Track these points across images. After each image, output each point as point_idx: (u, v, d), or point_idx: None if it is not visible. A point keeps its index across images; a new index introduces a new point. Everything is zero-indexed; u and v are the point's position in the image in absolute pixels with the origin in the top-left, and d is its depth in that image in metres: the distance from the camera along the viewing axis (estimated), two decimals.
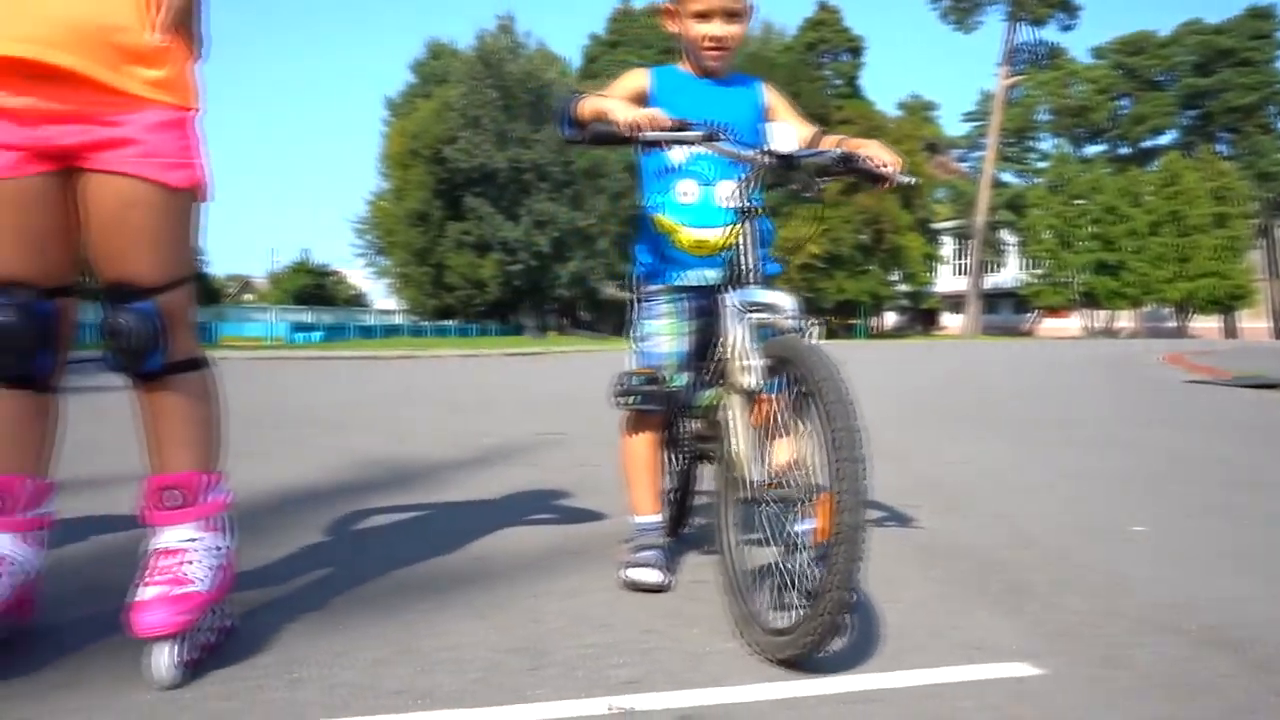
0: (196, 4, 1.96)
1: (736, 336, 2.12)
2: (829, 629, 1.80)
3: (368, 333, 42.14)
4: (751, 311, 2.12)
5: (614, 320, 48.22)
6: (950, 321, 65.96)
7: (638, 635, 2.12)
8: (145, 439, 1.97)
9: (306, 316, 45.95)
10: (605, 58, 47.26)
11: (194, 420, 1.98)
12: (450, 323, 50.15)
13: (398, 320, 54.82)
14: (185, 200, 1.92)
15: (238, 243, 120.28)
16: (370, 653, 1.98)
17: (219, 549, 1.96)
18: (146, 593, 1.84)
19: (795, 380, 1.97)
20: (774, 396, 2.05)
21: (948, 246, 66.77)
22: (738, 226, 2.26)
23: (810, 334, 2.05)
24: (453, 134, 43.81)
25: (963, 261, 65.59)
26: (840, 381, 1.83)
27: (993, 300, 64.74)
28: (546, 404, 8.32)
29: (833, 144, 2.41)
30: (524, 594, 2.41)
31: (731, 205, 2.38)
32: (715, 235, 2.45)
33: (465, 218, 46.25)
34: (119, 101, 1.82)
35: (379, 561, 2.69)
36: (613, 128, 2.22)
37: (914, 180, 2.39)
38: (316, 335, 37.21)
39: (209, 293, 56.61)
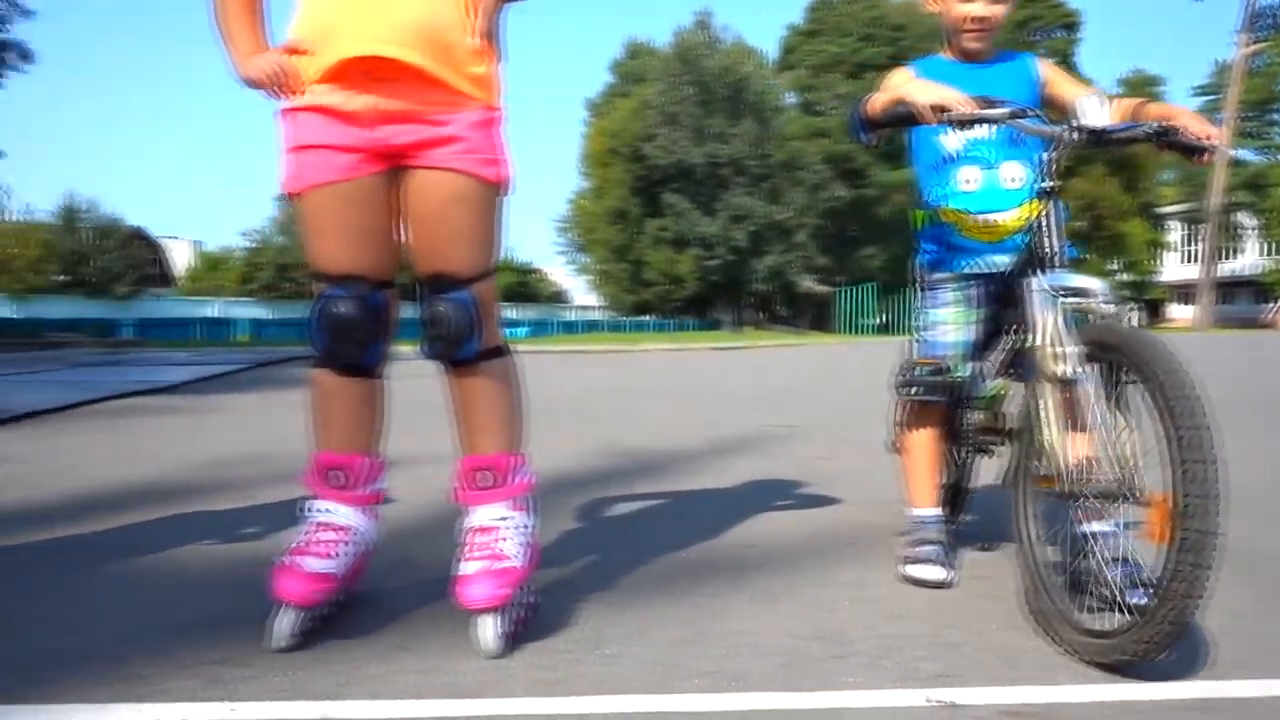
0: (503, 12, 2.05)
1: (1048, 322, 2.03)
2: (1167, 637, 1.69)
3: (569, 328, 43.37)
4: (1064, 296, 2.02)
5: (811, 314, 47.58)
6: (1179, 313, 61.14)
7: (935, 629, 2.07)
8: (456, 423, 2.09)
9: (511, 313, 47.77)
10: (803, 48, 46.63)
11: (501, 405, 2.08)
12: (648, 318, 50.88)
13: (597, 316, 56.12)
14: (496, 194, 2.03)
15: None
16: (668, 633, 2.02)
17: (526, 527, 2.05)
18: (469, 567, 1.95)
19: (1118, 369, 1.87)
20: (1084, 386, 1.95)
21: (1175, 232, 61.89)
22: (1035, 207, 2.16)
23: (1130, 319, 1.93)
24: (651, 131, 44.38)
25: (1192, 248, 60.59)
26: (1185, 375, 1.70)
27: (1227, 289, 59.49)
28: (766, 397, 8.29)
29: (1128, 112, 2.26)
30: (804, 583, 2.40)
31: (1017, 186, 2.28)
32: (1005, 219, 2.36)
33: (663, 214, 46.74)
34: (448, 100, 1.94)
35: (650, 546, 2.74)
36: (911, 109, 2.16)
37: (1234, 152, 2.21)
38: (521, 331, 38.61)
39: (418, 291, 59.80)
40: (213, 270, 61.09)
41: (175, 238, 67.19)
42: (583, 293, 67.33)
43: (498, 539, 1.99)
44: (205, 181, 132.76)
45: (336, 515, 2.05)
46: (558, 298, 64.78)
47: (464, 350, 1.99)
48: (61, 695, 1.67)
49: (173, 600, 2.23)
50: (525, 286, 53.59)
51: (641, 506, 3.38)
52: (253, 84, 1.95)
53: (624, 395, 8.40)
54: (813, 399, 8.01)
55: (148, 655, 1.87)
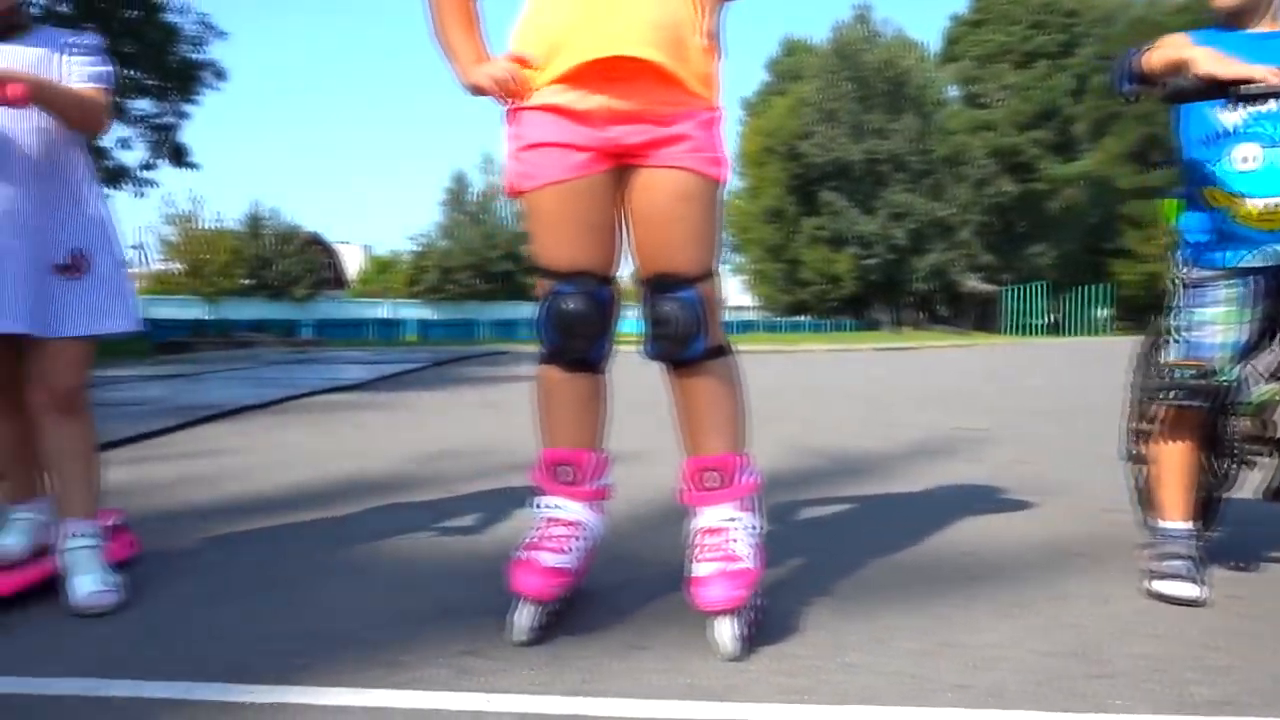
0: (723, 11, 2.03)
1: None
2: None
3: (725, 329, 43.06)
4: None
5: (974, 315, 45.89)
6: None
7: (1199, 651, 1.91)
8: (681, 424, 2.07)
9: None
10: (968, 39, 45.02)
11: (725, 405, 2.05)
12: (803, 318, 50.22)
13: (752, 316, 55.72)
14: (719, 193, 2.01)
15: None
16: (910, 643, 1.94)
17: (754, 528, 2.01)
18: (703, 569, 1.93)
19: None
20: None
21: None
22: None
23: None
24: (808, 129, 43.79)
25: None
26: None
27: None
28: (943, 398, 8.01)
29: None
30: (1040, 595, 2.27)
31: None
32: None
33: (820, 213, 46.04)
34: (678, 99, 1.93)
35: (865, 549, 2.66)
36: (1199, 83, 2.00)
37: None
38: None
39: None
40: (381, 273, 64.02)
41: (346, 243, 70.75)
42: (737, 293, 67.16)
43: (728, 540, 1.96)
44: (374, 189, 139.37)
45: (566, 510, 2.06)
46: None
47: (690, 350, 1.98)
48: (325, 678, 1.74)
49: (407, 589, 2.30)
50: None
51: (844, 509, 3.29)
52: (479, 91, 1.99)
53: (793, 395, 8.27)
54: (996, 401, 7.68)
55: (397, 642, 1.93)
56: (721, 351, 2.05)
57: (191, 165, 26.55)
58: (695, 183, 1.96)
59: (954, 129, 42.32)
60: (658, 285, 1.98)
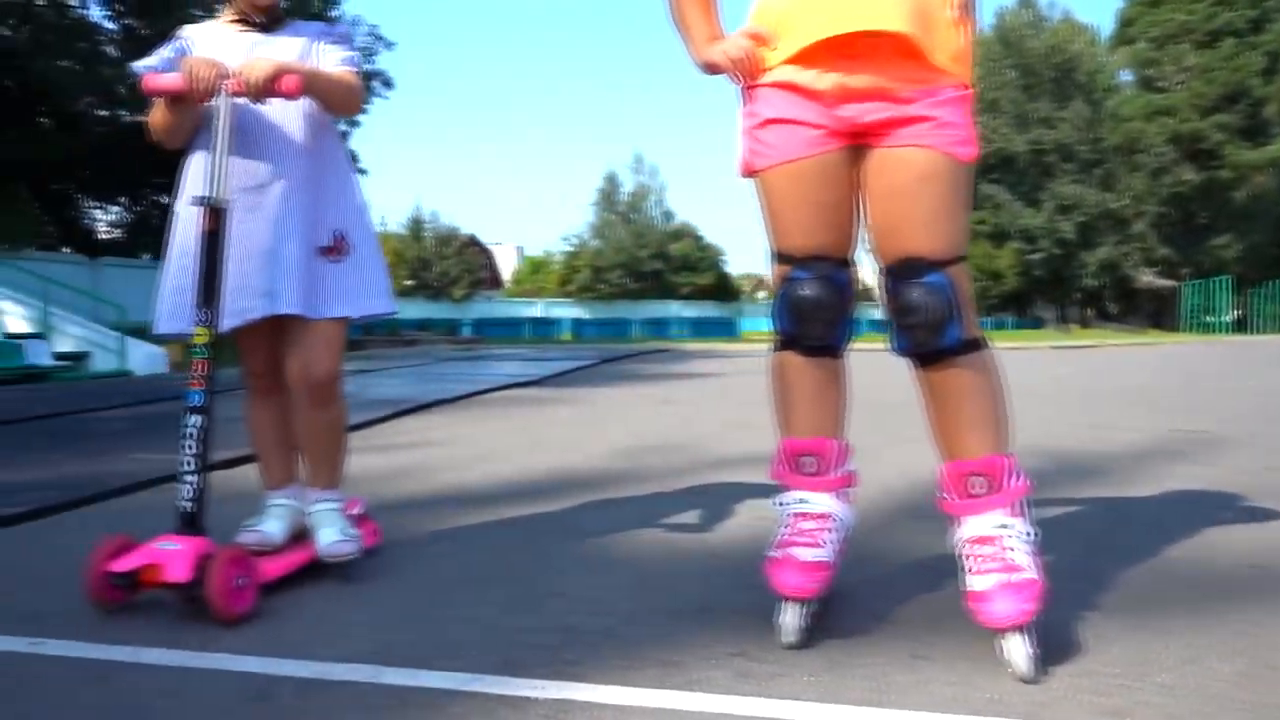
0: None
1: None
2: None
3: (880, 327, 42.19)
4: None
5: (1148, 311, 43.32)
6: None
7: None
8: (934, 425, 1.91)
9: None
10: (1145, 19, 42.41)
11: (985, 401, 1.88)
12: None
13: None
14: (969, 175, 1.86)
15: (752, 242, 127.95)
16: (1225, 665, 1.74)
17: (1029, 534, 1.83)
18: (982, 582, 1.77)
19: None
20: None
21: None
22: None
23: None
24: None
25: None
26: None
27: None
28: (1147, 398, 7.50)
29: None
30: None
31: None
32: None
33: (980, 206, 44.36)
34: (921, 76, 1.80)
35: (1132, 557, 2.44)
36: None
37: None
38: None
39: (729, 291, 60.76)
40: (535, 273, 65.49)
41: (500, 243, 72.77)
42: None
43: (1004, 549, 1.79)
44: (527, 190, 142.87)
45: (813, 503, 1.95)
46: (862, 295, 63.29)
47: (944, 339, 1.81)
48: (599, 675, 1.69)
49: (650, 585, 2.23)
50: None
51: (1080, 512, 3.06)
52: (714, 69, 1.94)
53: None
54: (1210, 401, 7.13)
55: (663, 640, 1.86)
56: (978, 344, 1.88)
57: (360, 171, 27.80)
58: (940, 162, 1.81)
59: (1128, 115, 40.08)
60: (901, 271, 1.83)
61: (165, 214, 19.92)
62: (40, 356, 11.85)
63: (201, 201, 1.97)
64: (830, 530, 1.93)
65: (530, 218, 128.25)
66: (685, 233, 57.99)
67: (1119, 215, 39.53)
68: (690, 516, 2.94)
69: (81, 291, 15.76)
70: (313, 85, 2.03)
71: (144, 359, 12.63)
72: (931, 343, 1.83)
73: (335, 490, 2.28)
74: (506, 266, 72.64)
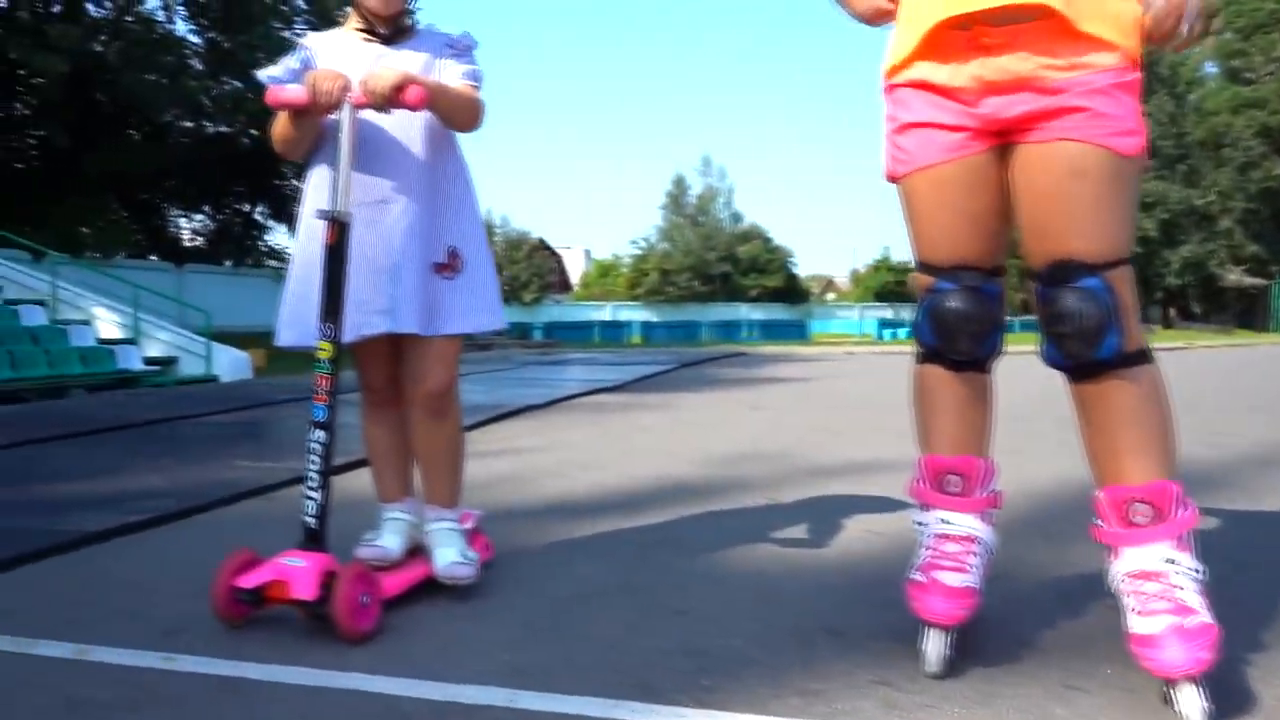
0: None
1: None
2: None
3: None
4: None
5: (1234, 310, 41.78)
6: None
7: None
8: (1089, 445, 1.76)
9: (888, 313, 46.68)
10: (1231, 8, 40.93)
11: (1150, 421, 1.71)
12: (1032, 317, 47.47)
13: None
14: (1133, 169, 1.70)
15: (820, 243, 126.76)
16: None
17: (1198, 571, 1.65)
18: (1150, 625, 1.58)
19: None
20: None
21: None
22: None
23: None
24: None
25: None
26: None
27: None
28: (1268, 404, 7.18)
29: None
30: None
31: None
32: None
33: None
34: (1070, 55, 1.65)
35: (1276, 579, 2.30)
36: None
37: None
38: (904, 332, 37.57)
39: (798, 293, 60.29)
40: (603, 277, 65.72)
41: (568, 247, 73.24)
42: None
43: (1172, 588, 1.62)
44: (594, 192, 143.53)
45: (957, 524, 1.84)
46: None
47: (1101, 349, 1.65)
48: (740, 702, 1.62)
49: (775, 604, 2.15)
50: (902, 286, 52.21)
51: (1230, 528, 2.89)
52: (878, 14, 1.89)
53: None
54: None
55: (800, 666, 1.78)
56: (1142, 357, 1.71)
57: None
58: (1094, 156, 1.65)
59: (1213, 109, 38.74)
60: (1053, 275, 1.69)
61: (246, 222, 20.63)
62: (131, 361, 12.19)
63: (325, 215, 1.95)
64: (975, 554, 1.83)
65: (598, 221, 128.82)
66: (754, 234, 57.69)
67: (1204, 212, 38.23)
68: (800, 529, 2.86)
69: (168, 297, 16.20)
70: (436, 99, 2.00)
71: (229, 364, 12.91)
72: (1086, 354, 1.68)
73: (452, 507, 2.25)
74: (574, 269, 73.08)
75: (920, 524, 1.91)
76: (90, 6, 22.37)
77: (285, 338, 2.15)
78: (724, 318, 45.14)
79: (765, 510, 3.16)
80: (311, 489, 1.97)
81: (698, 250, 55.55)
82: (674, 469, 4.03)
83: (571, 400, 7.13)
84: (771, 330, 40.36)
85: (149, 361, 12.55)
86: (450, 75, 2.13)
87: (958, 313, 1.78)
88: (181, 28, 24.46)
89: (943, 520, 1.86)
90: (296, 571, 1.90)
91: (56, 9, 22.96)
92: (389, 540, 2.23)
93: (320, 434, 1.97)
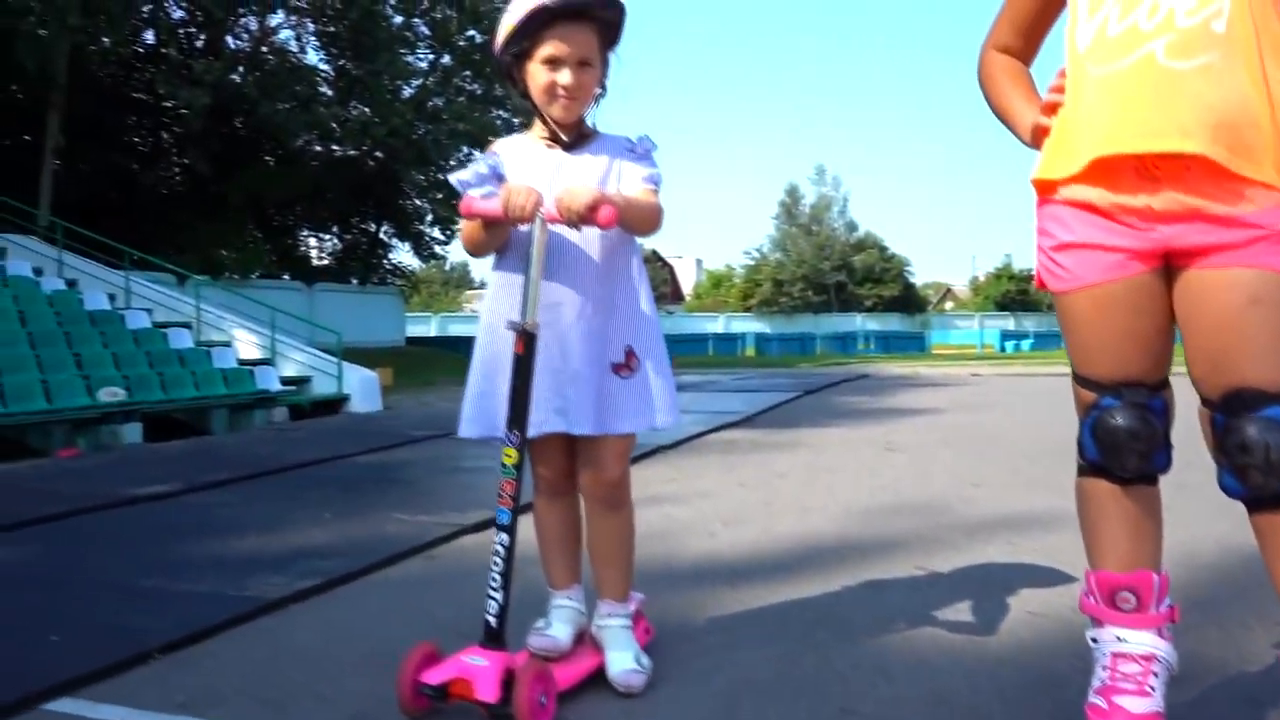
0: None
1: None
2: None
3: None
4: None
5: None
6: None
7: None
8: (1276, 575, 1.67)
9: (1009, 323, 45.31)
10: None
11: None
12: None
13: None
14: None
15: (939, 250, 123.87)
16: None
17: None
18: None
19: None
20: None
21: None
22: None
23: None
24: None
25: None
26: None
27: None
28: None
29: None
30: None
31: None
32: None
33: None
34: (1246, 193, 1.60)
35: None
36: None
37: None
38: (1026, 344, 36.38)
39: (914, 302, 59.04)
40: (715, 288, 65.68)
41: (680, 256, 73.49)
42: None
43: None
44: (705, 201, 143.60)
45: (1133, 643, 1.78)
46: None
47: None
48: None
49: (953, 703, 2.10)
50: (1025, 295, 50.60)
51: None
52: (1039, 135, 1.85)
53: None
54: None
55: None
56: None
57: None
58: (1273, 282, 1.60)
59: None
60: (1233, 405, 1.63)
61: (372, 241, 21.34)
62: (269, 382, 12.74)
63: (514, 327, 2.01)
64: (1155, 674, 1.77)
65: (709, 230, 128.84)
66: (869, 243, 56.83)
67: None
68: (961, 609, 2.79)
69: (301, 319, 16.90)
70: (626, 216, 2.04)
71: (359, 383, 13.38)
72: (1273, 486, 1.61)
73: (624, 603, 2.28)
74: (686, 279, 73.26)
75: (1095, 640, 1.85)
76: (229, 39, 23.60)
77: (468, 431, 2.21)
78: (839, 329, 44.57)
79: (921, 583, 3.10)
80: (494, 589, 2.02)
81: (811, 260, 55.05)
82: (818, 526, 3.99)
83: (700, 439, 7.11)
84: (889, 343, 39.61)
85: (284, 381, 13.11)
86: (631, 178, 2.17)
87: (1126, 430, 1.74)
88: (313, 57, 25.52)
89: (1118, 638, 1.81)
90: (479, 671, 1.96)
91: (200, 43, 24.30)
92: (559, 630, 2.27)
93: (504, 537, 2.03)
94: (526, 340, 2.00)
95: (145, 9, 19.08)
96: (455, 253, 46.50)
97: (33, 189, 19.46)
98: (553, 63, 2.09)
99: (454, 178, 2.18)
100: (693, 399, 11.03)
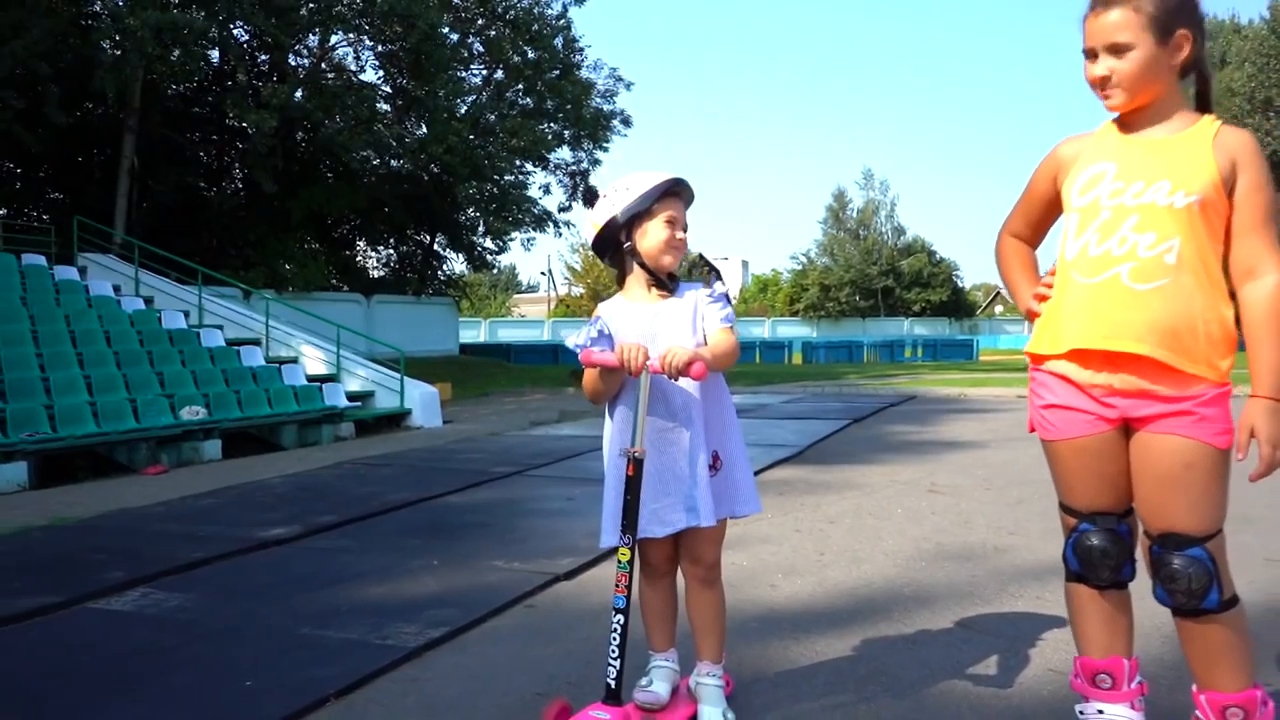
0: None
1: None
2: None
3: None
4: None
5: None
6: None
7: None
8: (1192, 660, 2.24)
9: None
10: None
11: (1240, 650, 2.20)
12: None
13: None
14: (1227, 459, 2.16)
15: (988, 250, 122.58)
16: None
17: None
18: None
19: None
20: None
21: None
22: None
23: None
24: (1238, 122, 38.95)
25: None
26: None
27: None
28: None
29: None
30: None
31: None
32: None
33: None
34: (1183, 382, 2.13)
35: None
36: None
37: None
38: None
39: (964, 306, 58.71)
40: (762, 292, 65.83)
41: (725, 258, 73.65)
42: None
43: None
44: (752, 204, 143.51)
45: (1109, 715, 2.33)
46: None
47: (1206, 602, 2.15)
48: None
49: None
50: None
51: None
52: (1030, 315, 2.39)
53: None
54: None
55: None
56: (1234, 601, 2.19)
57: None
58: (1200, 451, 2.14)
59: None
60: (1166, 542, 2.18)
61: (426, 252, 22.03)
62: (336, 398, 13.38)
63: (625, 454, 2.55)
64: None
65: (756, 233, 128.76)
66: (917, 247, 56.67)
67: None
68: (991, 665, 3.23)
69: (362, 335, 17.60)
70: (713, 365, 2.57)
71: (419, 398, 13.93)
72: (1193, 605, 2.17)
73: (718, 665, 2.79)
74: (732, 282, 73.36)
75: (1081, 713, 2.39)
76: (290, 56, 24.35)
77: (607, 541, 2.71)
78: (886, 336, 44.58)
79: (957, 639, 3.54)
80: (613, 658, 2.55)
81: (859, 265, 55.06)
82: (867, 576, 4.46)
83: (758, 477, 7.53)
84: (936, 350, 39.60)
85: (350, 397, 13.74)
86: (712, 319, 2.69)
87: (1099, 549, 2.29)
88: (370, 75, 26.22)
89: (1099, 710, 2.35)
90: None
91: (263, 63, 25.11)
92: (659, 687, 2.79)
93: (620, 618, 2.56)
94: (636, 464, 2.54)
95: (212, 33, 19.88)
96: (504, 257, 47.02)
97: (108, 208, 20.39)
98: (672, 222, 2.66)
99: (570, 341, 2.72)
100: (748, 428, 11.42)
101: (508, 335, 46.98)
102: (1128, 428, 2.25)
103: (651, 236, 2.67)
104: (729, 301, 2.75)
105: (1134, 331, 2.14)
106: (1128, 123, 2.26)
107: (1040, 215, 2.47)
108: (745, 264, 75.98)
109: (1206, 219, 2.14)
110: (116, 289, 14.98)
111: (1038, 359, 2.35)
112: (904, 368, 30.11)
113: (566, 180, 29.91)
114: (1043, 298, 2.36)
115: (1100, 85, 2.21)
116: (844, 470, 7.92)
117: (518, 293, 78.30)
